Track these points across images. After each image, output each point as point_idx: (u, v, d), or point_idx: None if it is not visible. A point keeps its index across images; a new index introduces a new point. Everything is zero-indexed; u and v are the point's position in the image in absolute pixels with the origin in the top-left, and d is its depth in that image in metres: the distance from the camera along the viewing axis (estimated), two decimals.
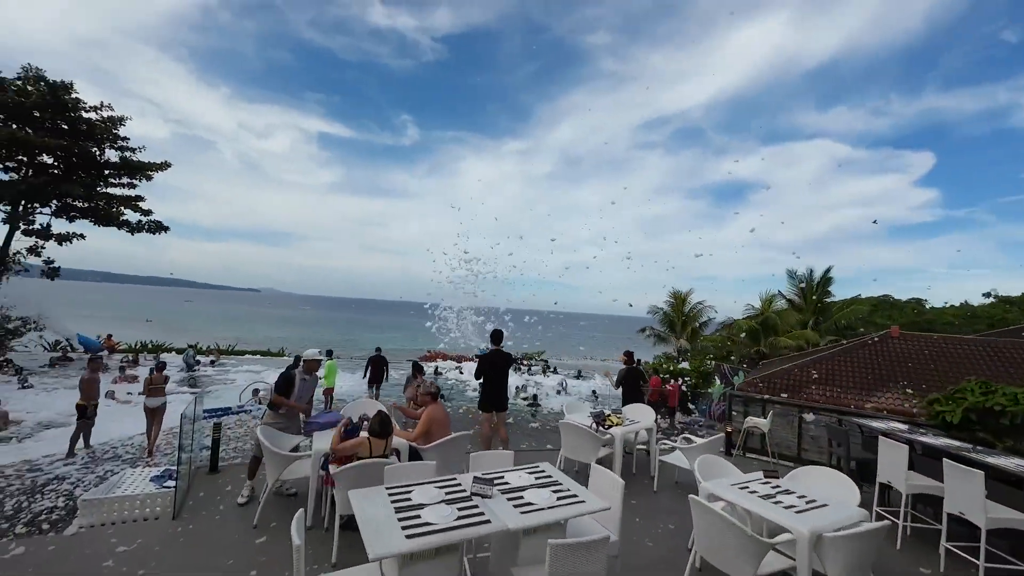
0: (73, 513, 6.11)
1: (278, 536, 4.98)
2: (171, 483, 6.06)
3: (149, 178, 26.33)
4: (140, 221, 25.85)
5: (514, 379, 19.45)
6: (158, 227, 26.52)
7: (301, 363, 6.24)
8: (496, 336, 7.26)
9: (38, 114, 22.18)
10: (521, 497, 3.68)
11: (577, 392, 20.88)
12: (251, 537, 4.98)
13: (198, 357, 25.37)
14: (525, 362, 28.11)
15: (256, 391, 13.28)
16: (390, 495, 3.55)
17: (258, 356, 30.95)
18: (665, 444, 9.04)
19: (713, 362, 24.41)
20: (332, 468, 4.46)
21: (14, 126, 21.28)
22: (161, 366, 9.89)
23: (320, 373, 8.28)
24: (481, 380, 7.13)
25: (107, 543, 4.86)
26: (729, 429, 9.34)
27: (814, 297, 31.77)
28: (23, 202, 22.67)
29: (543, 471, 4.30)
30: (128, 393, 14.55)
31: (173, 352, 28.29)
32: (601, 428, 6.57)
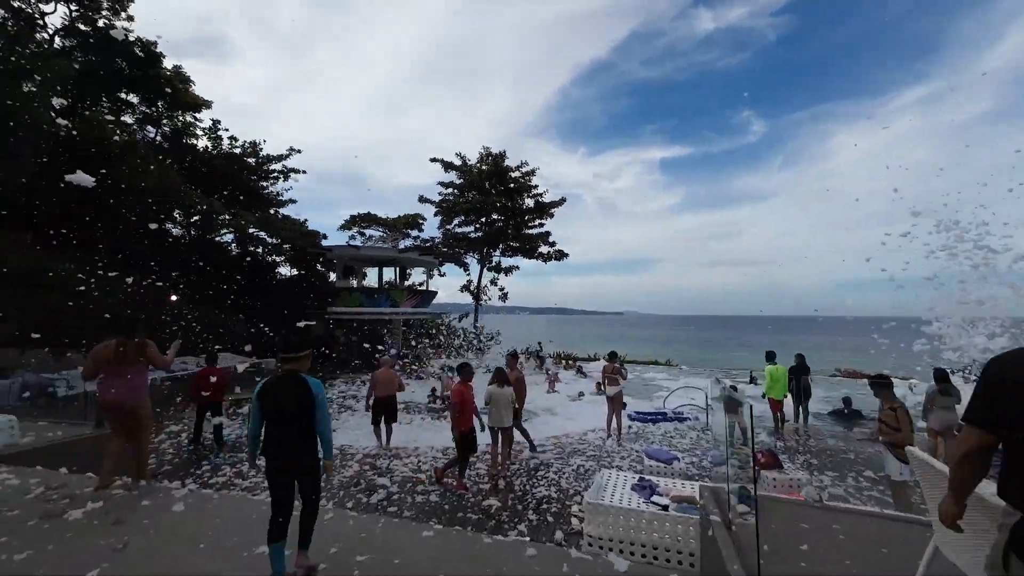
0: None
1: None
2: (693, 513, 4.44)
3: (551, 216, 32.02)
4: (549, 252, 31.62)
5: None
6: (561, 255, 31.65)
7: None
8: None
9: (487, 183, 30.76)
10: None
11: None
12: None
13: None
14: None
15: None
16: None
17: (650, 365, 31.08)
18: None
19: None
20: None
21: (478, 195, 30.00)
22: (612, 355, 9.56)
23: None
24: None
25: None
26: None
27: None
28: (485, 248, 31.79)
29: None
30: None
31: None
32: None
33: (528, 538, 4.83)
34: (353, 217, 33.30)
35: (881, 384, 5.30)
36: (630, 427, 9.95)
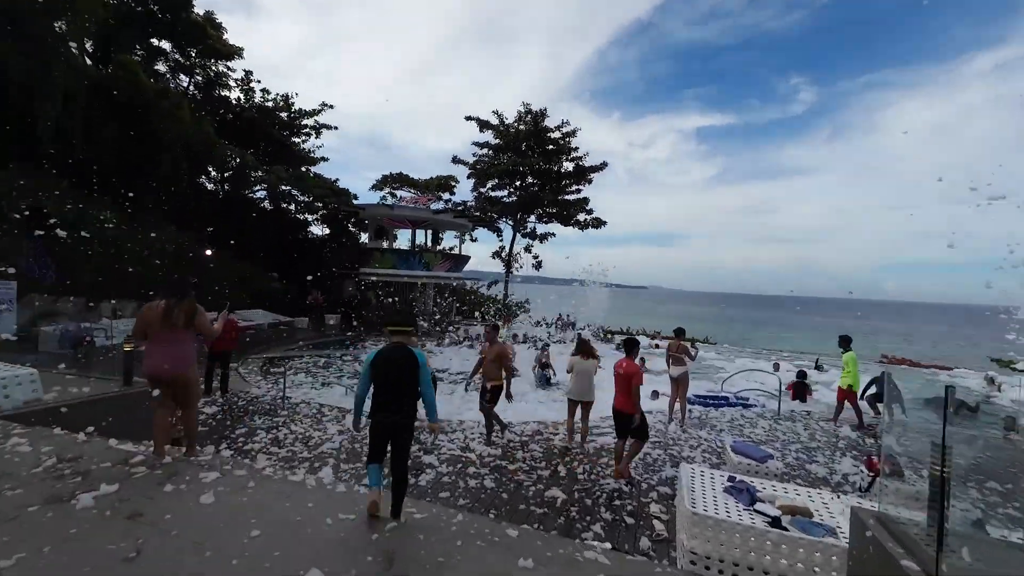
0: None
1: None
2: (832, 539, 3.52)
3: (590, 181, 30.34)
4: (586, 219, 30.16)
5: None
6: (598, 223, 30.11)
7: None
8: None
9: (525, 144, 29.18)
10: None
11: None
12: None
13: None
14: None
15: None
16: None
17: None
18: None
19: None
20: None
21: (515, 157, 28.52)
22: (679, 332, 8.54)
23: None
24: None
25: None
26: None
27: None
28: (519, 214, 30.58)
29: None
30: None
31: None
32: None
33: (608, 544, 4.03)
34: (385, 177, 32.46)
35: None
36: (690, 411, 9.01)
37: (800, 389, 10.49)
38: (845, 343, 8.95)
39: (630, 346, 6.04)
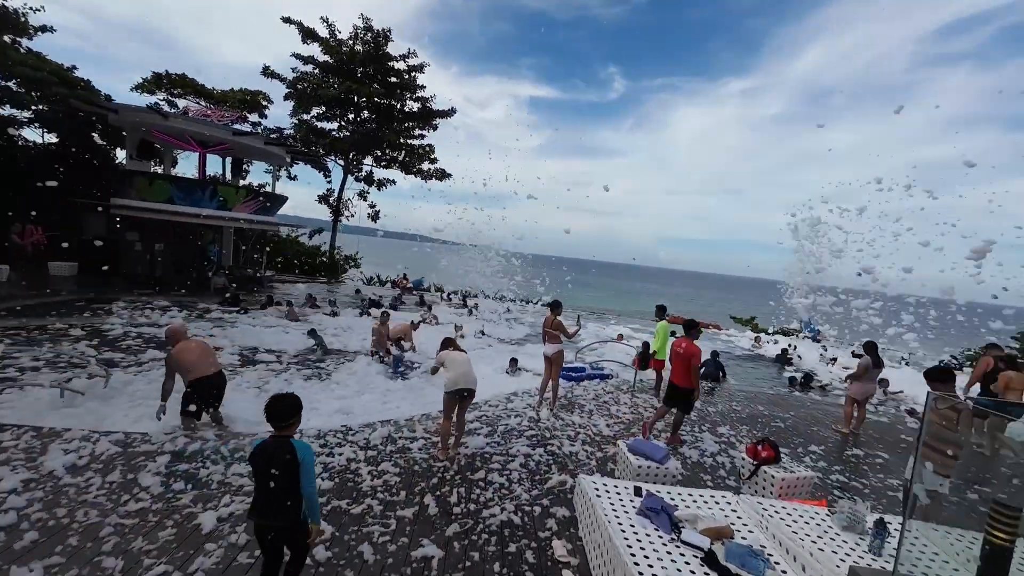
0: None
1: None
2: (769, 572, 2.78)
3: (435, 128, 27.60)
4: (430, 169, 27.53)
5: None
6: (443, 175, 27.82)
7: None
8: None
9: (362, 70, 24.58)
10: None
11: None
12: None
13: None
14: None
15: None
16: None
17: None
18: None
19: None
20: None
21: (348, 83, 23.78)
22: (555, 304, 7.48)
23: None
24: None
25: None
26: None
27: None
28: (351, 154, 26.11)
29: None
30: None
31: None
32: None
33: None
34: (158, 77, 23.78)
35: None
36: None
37: (645, 360, 10.87)
38: (660, 312, 9.17)
39: (689, 327, 6.15)
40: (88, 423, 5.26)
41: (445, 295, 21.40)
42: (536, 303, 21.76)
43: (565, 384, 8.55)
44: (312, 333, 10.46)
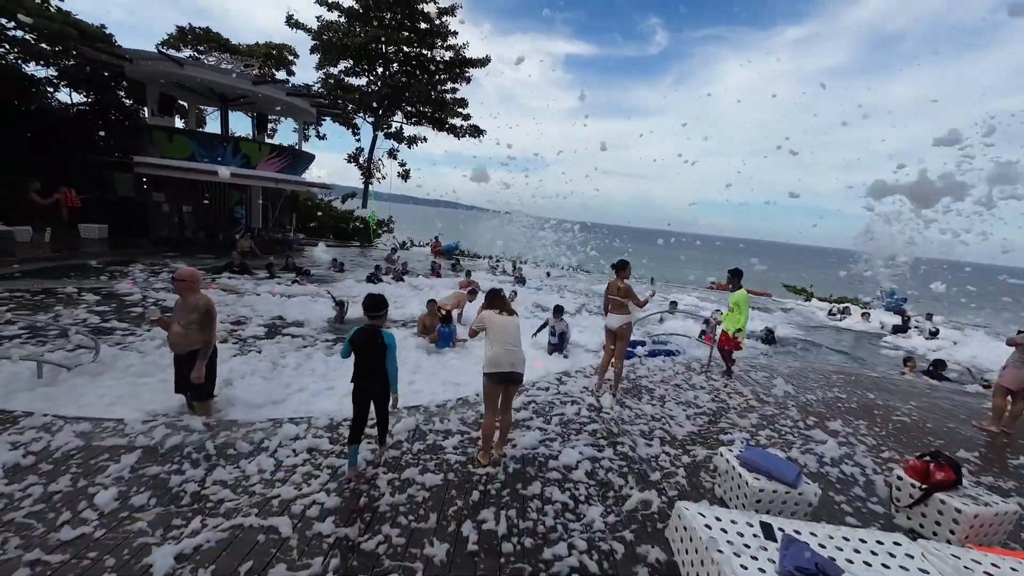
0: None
1: None
2: None
3: (468, 80, 25.59)
4: (463, 126, 25.77)
5: None
6: (477, 131, 25.99)
7: None
8: None
9: (389, 15, 22.72)
10: None
11: None
12: None
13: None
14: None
15: None
16: None
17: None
18: None
19: None
20: None
21: (376, 30, 22.05)
22: (622, 264, 5.98)
23: None
24: None
25: None
26: None
27: None
28: (381, 110, 24.65)
29: None
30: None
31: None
32: None
33: None
34: (182, 31, 22.85)
35: None
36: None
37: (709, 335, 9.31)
38: (736, 277, 6.96)
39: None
40: (58, 407, 4.35)
41: (495, 261, 19.89)
42: (576, 270, 20.15)
43: (626, 363, 7.14)
44: (337, 302, 9.40)
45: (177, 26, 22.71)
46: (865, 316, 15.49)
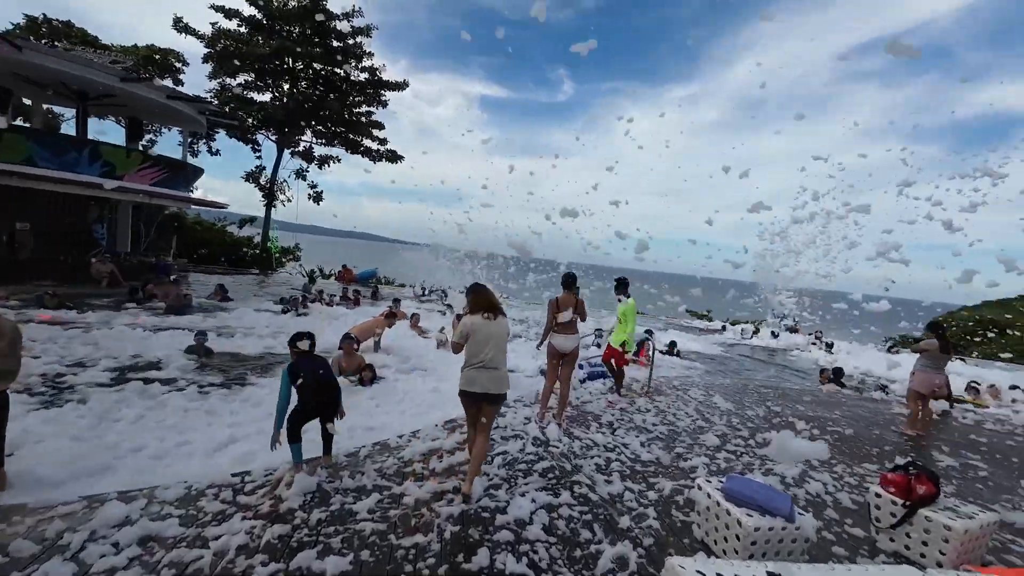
0: None
1: None
2: None
3: (384, 105, 24.68)
4: (379, 150, 24.57)
5: None
6: (394, 156, 24.93)
7: None
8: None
9: (298, 29, 21.30)
10: None
11: None
12: None
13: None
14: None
15: None
16: None
17: None
18: None
19: None
20: None
21: (281, 41, 20.46)
22: (570, 279, 5.39)
23: None
24: None
25: None
26: None
27: None
28: (285, 128, 22.67)
29: None
30: None
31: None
32: None
33: None
34: (32, 21, 19.33)
35: None
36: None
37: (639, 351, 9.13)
38: (623, 287, 6.60)
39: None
40: None
41: (424, 290, 18.43)
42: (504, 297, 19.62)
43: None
44: (197, 338, 7.48)
45: (26, 15, 19.16)
46: (774, 335, 16.91)
